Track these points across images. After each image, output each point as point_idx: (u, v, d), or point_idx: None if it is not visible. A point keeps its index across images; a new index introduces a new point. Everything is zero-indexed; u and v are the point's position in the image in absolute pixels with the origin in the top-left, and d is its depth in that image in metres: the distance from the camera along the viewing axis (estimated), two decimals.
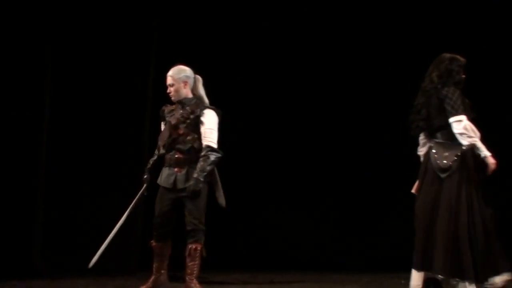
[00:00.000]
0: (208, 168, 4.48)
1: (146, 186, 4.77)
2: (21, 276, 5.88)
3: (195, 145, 4.56)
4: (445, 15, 7.11)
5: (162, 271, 4.71)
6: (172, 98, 4.72)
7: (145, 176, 4.78)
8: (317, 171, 7.43)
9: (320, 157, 7.44)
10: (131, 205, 4.81)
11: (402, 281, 5.36)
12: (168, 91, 4.72)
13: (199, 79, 4.78)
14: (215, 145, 4.54)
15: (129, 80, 6.86)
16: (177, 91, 4.64)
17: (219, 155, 4.53)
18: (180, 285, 4.98)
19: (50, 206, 6.59)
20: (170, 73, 4.71)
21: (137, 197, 4.80)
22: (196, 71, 4.82)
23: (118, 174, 6.83)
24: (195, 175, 4.45)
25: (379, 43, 7.32)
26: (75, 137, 6.74)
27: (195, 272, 4.51)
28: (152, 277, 4.71)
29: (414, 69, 5.14)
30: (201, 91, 4.77)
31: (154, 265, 4.72)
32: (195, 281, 4.52)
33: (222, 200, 4.63)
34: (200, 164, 4.47)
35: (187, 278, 4.54)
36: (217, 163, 4.55)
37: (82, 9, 6.76)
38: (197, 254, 4.48)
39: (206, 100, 4.79)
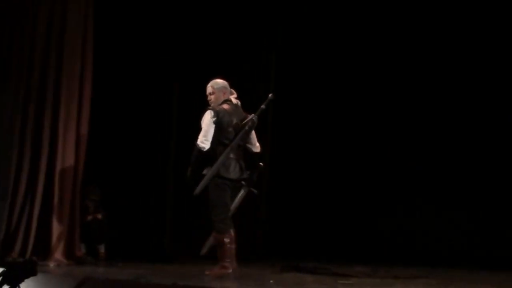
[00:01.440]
0: (192, 159, 5.11)
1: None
2: (154, 260, 6.25)
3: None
4: None
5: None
6: (212, 105, 5.26)
7: None
8: (447, 167, 7.21)
9: (453, 153, 7.23)
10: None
11: None
12: (208, 99, 5.30)
13: (233, 91, 5.37)
14: (198, 141, 5.08)
15: (252, 85, 7.12)
16: (217, 98, 5.27)
17: (197, 148, 5.07)
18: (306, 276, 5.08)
19: (178, 198, 6.95)
20: (210, 83, 5.33)
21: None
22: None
23: None
24: None
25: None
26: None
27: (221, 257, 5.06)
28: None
29: None
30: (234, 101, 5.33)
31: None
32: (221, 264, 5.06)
33: (197, 189, 5.07)
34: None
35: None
36: (197, 155, 5.08)
37: (205, 18, 7.16)
38: (219, 243, 5.07)
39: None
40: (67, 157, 6.10)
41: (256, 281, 4.69)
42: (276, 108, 7.22)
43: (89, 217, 6.70)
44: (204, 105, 5.38)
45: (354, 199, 7.49)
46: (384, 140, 7.49)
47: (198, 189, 5.06)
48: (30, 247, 5.82)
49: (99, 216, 6.75)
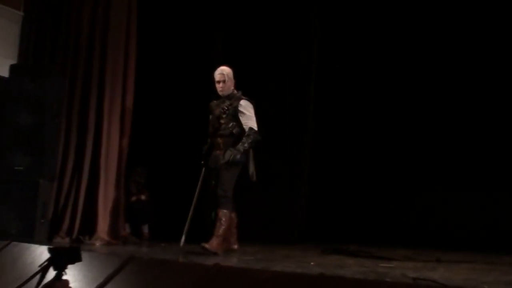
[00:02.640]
0: (247, 145, 5.13)
1: (204, 169, 5.42)
2: (196, 241, 6.31)
3: (234, 131, 5.21)
4: None
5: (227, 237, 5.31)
6: (221, 93, 5.31)
7: (202, 162, 5.46)
8: (486, 150, 7.06)
9: (487, 137, 7.08)
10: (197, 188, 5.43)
11: None
12: (220, 86, 5.27)
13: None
14: (255, 128, 5.15)
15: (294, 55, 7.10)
16: (229, 88, 5.31)
17: (258, 137, 5.17)
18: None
19: None
20: (224, 71, 5.29)
21: (200, 179, 5.43)
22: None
23: (286, 147, 7.09)
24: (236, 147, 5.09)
25: None
26: None
27: (219, 233, 5.09)
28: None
29: None
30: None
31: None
32: (216, 240, 5.08)
33: (253, 175, 5.20)
34: (242, 141, 5.13)
35: (213, 238, 5.09)
36: (255, 143, 5.15)
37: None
38: (222, 219, 5.09)
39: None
40: (112, 138, 6.22)
41: (298, 263, 4.70)
42: (317, 97, 7.22)
43: (133, 198, 6.83)
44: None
45: (397, 182, 7.41)
46: (429, 123, 7.38)
47: (255, 175, 5.23)
48: (77, 226, 5.97)
49: (143, 197, 6.87)
